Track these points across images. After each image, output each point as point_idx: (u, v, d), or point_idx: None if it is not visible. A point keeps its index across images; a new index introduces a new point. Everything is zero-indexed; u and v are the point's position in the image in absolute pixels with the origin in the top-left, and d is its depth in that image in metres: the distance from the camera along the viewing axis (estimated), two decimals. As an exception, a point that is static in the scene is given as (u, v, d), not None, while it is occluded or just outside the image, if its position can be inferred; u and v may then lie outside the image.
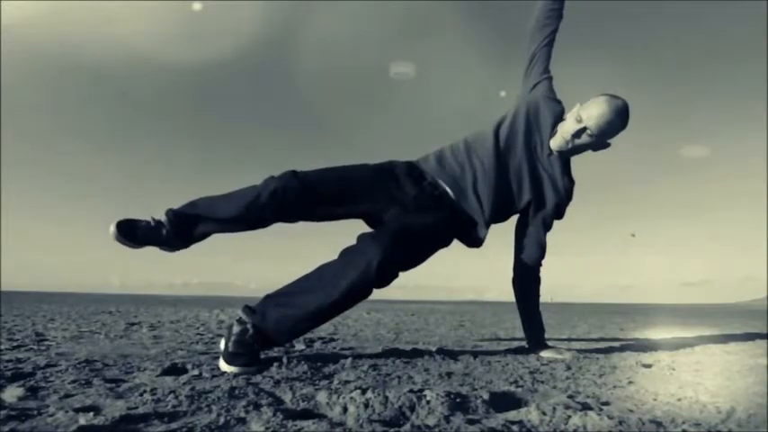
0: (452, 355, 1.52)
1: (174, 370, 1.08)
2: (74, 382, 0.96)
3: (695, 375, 1.12)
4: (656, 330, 3.26)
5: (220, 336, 2.14)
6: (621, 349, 1.76)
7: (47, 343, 1.71)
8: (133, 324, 2.90)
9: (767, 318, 5.96)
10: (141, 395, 0.82)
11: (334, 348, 1.66)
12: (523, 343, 1.72)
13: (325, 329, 2.77)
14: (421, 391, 0.79)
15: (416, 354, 1.49)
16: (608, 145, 1.49)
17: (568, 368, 1.20)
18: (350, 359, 1.25)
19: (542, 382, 1.00)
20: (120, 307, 6.22)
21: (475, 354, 1.55)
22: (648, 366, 1.23)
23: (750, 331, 3.00)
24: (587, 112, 1.41)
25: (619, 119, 1.41)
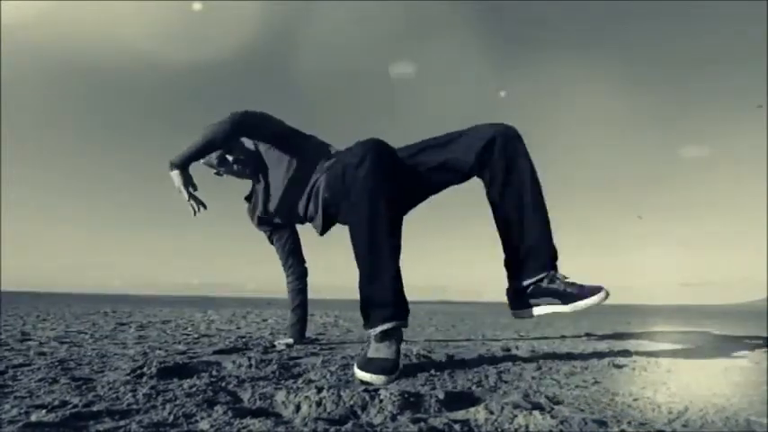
0: (430, 354, 1.52)
1: (144, 369, 1.09)
2: (41, 380, 0.96)
3: (665, 376, 1.12)
4: (647, 331, 3.25)
5: (206, 336, 2.15)
6: (603, 349, 1.76)
7: (29, 342, 1.72)
8: (123, 324, 2.91)
9: (767, 319, 5.93)
10: (101, 394, 0.83)
11: (314, 348, 1.66)
12: (508, 342, 1.72)
13: (312, 330, 2.77)
14: (376, 390, 0.79)
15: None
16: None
17: (539, 368, 1.20)
18: (321, 359, 1.26)
19: (506, 381, 1.01)
20: (116, 307, 6.24)
21: (453, 353, 1.56)
22: (620, 367, 1.23)
23: (742, 332, 2.99)
24: None
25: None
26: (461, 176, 1.32)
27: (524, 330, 3.18)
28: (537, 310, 1.21)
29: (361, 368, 1.02)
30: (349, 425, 0.62)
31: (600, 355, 1.57)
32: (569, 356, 1.49)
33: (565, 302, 1.16)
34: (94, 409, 0.72)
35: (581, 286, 1.16)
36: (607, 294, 1.14)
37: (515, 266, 1.25)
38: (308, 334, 2.33)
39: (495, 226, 1.30)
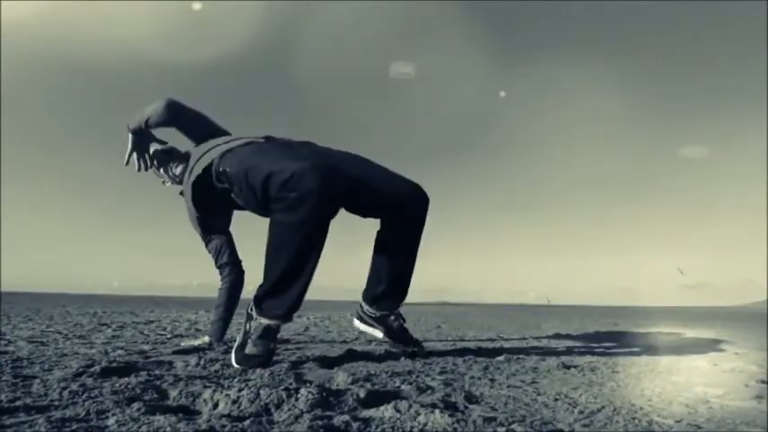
0: (393, 355, 1.53)
1: (89, 368, 1.10)
2: (-17, 378, 0.98)
3: (607, 376, 1.13)
4: (629, 332, 3.24)
5: (178, 336, 2.17)
6: (565, 350, 1.77)
7: (-2, 342, 1.75)
8: (104, 324, 2.93)
9: (767, 321, 5.89)
10: (33, 391, 0.85)
11: (278, 349, 1.67)
12: (480, 343, 1.72)
13: (294, 329, 2.79)
14: (297, 388, 0.80)
15: (353, 354, 1.51)
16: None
17: (486, 368, 1.21)
18: (273, 359, 1.27)
19: (443, 380, 1.01)
20: (110, 308, 6.27)
21: (414, 353, 1.56)
22: (569, 368, 1.24)
23: (727, 334, 2.98)
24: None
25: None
26: (388, 210, 1.51)
27: (506, 333, 3.18)
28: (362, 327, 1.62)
29: (238, 363, 1.19)
30: (248, 422, 0.63)
31: (560, 354, 1.58)
32: (528, 357, 1.50)
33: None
34: (17, 404, 0.74)
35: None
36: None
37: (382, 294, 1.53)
38: (285, 334, 2.34)
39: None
